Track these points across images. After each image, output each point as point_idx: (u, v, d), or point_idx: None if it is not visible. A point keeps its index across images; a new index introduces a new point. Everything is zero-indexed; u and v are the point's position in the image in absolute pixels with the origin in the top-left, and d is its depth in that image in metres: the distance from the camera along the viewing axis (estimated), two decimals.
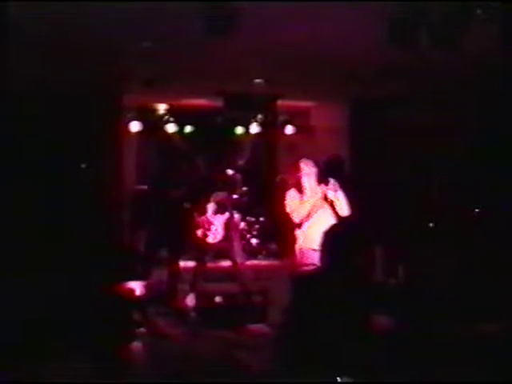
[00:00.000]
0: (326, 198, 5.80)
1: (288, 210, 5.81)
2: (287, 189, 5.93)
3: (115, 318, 5.84)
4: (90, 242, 7.26)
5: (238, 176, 7.62)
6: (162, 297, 6.71)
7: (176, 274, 6.86)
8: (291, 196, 5.82)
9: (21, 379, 4.39)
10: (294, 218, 5.77)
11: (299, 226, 5.78)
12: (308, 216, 5.72)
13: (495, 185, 7.47)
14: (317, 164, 5.85)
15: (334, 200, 5.72)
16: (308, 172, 5.73)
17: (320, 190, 5.71)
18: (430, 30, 5.17)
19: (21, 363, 4.59)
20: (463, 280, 6.12)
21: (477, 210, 8.18)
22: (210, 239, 7.27)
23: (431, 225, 8.19)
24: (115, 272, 6.26)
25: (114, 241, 7.51)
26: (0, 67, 5.08)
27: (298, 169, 5.79)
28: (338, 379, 3.47)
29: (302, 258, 5.71)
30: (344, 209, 5.71)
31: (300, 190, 5.80)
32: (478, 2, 4.70)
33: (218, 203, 7.33)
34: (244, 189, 7.59)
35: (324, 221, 5.54)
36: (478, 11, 4.71)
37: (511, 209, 7.20)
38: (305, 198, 5.74)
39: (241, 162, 8.92)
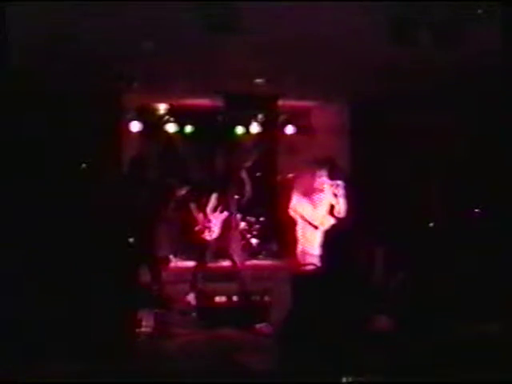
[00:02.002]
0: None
1: (303, 217, 5.76)
2: (291, 191, 5.90)
3: (117, 316, 5.86)
4: (90, 242, 7.25)
5: (243, 175, 7.64)
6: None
7: (156, 275, 6.78)
8: (301, 203, 5.76)
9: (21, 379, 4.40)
10: (313, 223, 5.73)
11: (316, 227, 5.76)
12: (324, 217, 5.69)
13: (495, 185, 7.46)
14: (328, 164, 5.81)
15: (334, 202, 5.71)
16: (320, 175, 5.69)
17: (330, 191, 5.67)
18: (430, 29, 5.13)
19: (21, 363, 4.60)
20: (463, 281, 6.10)
21: (476, 210, 8.17)
22: (206, 236, 7.29)
23: (431, 225, 8.18)
24: (116, 274, 6.26)
25: (114, 241, 7.50)
26: (1, 67, 5.08)
27: (312, 172, 5.74)
28: (344, 380, 3.47)
29: (302, 259, 5.72)
30: (342, 211, 5.70)
31: (307, 193, 5.76)
32: (478, 2, 4.68)
33: (218, 202, 7.35)
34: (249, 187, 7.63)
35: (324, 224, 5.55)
36: (478, 11, 4.68)
37: (511, 209, 7.19)
38: (317, 200, 5.70)
39: (245, 162, 8.93)
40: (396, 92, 7.91)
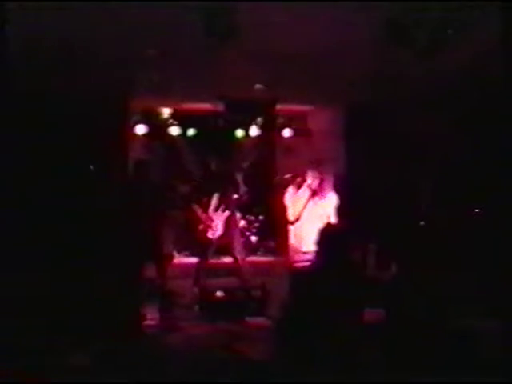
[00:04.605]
0: (313, 196, 5.94)
1: (287, 206, 5.96)
2: (286, 187, 6.09)
3: (122, 311, 6.02)
4: (97, 241, 7.42)
5: (240, 176, 7.81)
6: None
7: (162, 271, 6.90)
8: (290, 194, 5.98)
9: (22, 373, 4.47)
10: (289, 216, 5.93)
11: (292, 223, 5.95)
12: (300, 215, 5.87)
13: (494, 186, 7.53)
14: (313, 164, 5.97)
15: (323, 200, 5.85)
16: (312, 175, 5.85)
17: (309, 190, 5.83)
18: (428, 32, 5.17)
19: (21, 362, 4.66)
20: (456, 276, 6.27)
21: (477, 210, 8.31)
22: (210, 235, 7.49)
23: (422, 223, 8.35)
24: (122, 271, 6.44)
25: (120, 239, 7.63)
26: (7, 72, 5.20)
27: (304, 172, 5.92)
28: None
29: (294, 256, 5.91)
30: (330, 209, 5.82)
31: (295, 190, 5.95)
32: (477, 2, 4.71)
33: (219, 202, 7.53)
34: (244, 189, 7.80)
35: (313, 222, 5.70)
36: (478, 11, 4.74)
37: (503, 209, 7.32)
38: (298, 196, 5.88)
39: (242, 163, 9.10)
40: (392, 97, 7.91)
